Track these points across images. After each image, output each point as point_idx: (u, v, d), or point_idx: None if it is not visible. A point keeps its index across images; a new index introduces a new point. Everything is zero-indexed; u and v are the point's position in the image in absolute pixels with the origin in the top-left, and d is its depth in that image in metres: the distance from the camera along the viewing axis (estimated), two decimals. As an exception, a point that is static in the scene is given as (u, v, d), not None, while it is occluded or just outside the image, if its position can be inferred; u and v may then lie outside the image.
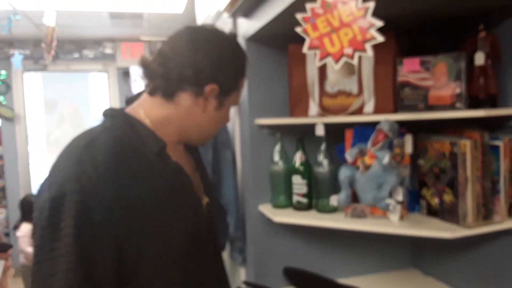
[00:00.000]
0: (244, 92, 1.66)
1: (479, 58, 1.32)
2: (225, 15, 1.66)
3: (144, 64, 0.88)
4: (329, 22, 1.09)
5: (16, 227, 3.18)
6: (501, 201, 1.30)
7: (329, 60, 1.13)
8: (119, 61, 4.43)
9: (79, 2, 2.99)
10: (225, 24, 1.78)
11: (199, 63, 0.84)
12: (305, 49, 1.16)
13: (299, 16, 1.11)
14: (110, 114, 0.86)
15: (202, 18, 2.54)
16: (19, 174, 4.45)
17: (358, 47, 1.04)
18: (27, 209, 3.13)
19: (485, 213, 1.30)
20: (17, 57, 3.15)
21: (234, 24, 1.68)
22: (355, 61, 1.05)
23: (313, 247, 1.73)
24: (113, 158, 0.76)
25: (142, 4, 3.04)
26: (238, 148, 1.81)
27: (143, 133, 0.84)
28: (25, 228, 3.08)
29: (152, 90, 0.87)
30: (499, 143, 1.30)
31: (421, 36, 1.54)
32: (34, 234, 0.73)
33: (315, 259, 1.73)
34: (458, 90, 1.29)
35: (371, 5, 1.02)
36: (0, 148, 4.35)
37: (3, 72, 4.23)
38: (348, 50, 1.06)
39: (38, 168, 4.89)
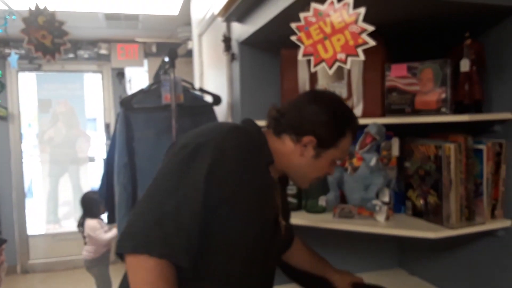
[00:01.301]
0: (237, 94, 1.70)
1: (465, 65, 1.37)
2: (219, 19, 1.70)
3: (272, 110, 1.10)
4: (322, 30, 1.13)
5: (80, 224, 3.16)
6: (484, 203, 1.35)
7: (323, 66, 1.17)
8: (114, 62, 4.44)
9: (75, 3, 3.01)
10: (219, 28, 1.82)
11: (306, 117, 1.03)
12: (300, 56, 1.19)
13: (293, 25, 1.15)
14: (249, 123, 1.08)
15: (197, 20, 2.58)
16: (12, 172, 4.44)
17: (351, 52, 1.08)
18: (88, 205, 3.13)
19: (468, 214, 1.35)
20: (13, 56, 3.16)
21: (228, 28, 1.72)
22: (348, 66, 1.09)
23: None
24: (246, 145, 0.97)
25: (138, 6, 3.07)
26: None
27: (264, 144, 1.04)
28: (91, 223, 3.08)
29: (267, 125, 1.10)
30: (483, 147, 1.34)
31: (410, 43, 1.59)
32: (168, 163, 0.93)
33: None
34: (443, 95, 1.34)
35: (362, 11, 1.06)
36: (-7, 146, 4.34)
37: (-2, 71, 4.23)
38: (341, 55, 1.10)
39: (31, 167, 4.89)
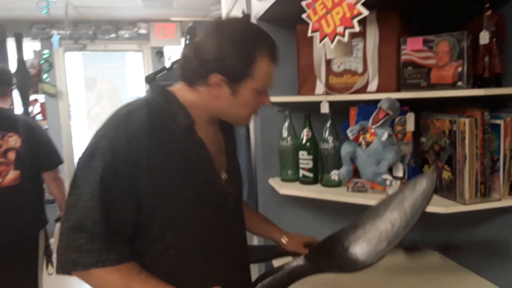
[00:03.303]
0: (256, 71, 1.73)
1: (484, 37, 1.32)
2: (239, -4, 1.73)
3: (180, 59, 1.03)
4: (325, 4, 1.14)
5: None
6: (500, 179, 1.31)
7: (326, 40, 1.18)
8: (153, 41, 4.58)
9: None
10: (241, 5, 1.85)
11: (205, 57, 0.93)
12: (309, 33, 1.21)
13: (303, 3, 1.16)
14: (156, 89, 1.01)
15: (226, -2, 2.60)
16: (63, 147, 4.75)
17: (348, 24, 1.09)
18: None
19: (484, 190, 1.32)
20: (55, 37, 3.36)
21: (248, 4, 1.74)
22: (345, 39, 1.10)
23: (319, 219, 1.81)
24: (144, 127, 0.90)
25: (171, -15, 3.13)
26: (252, 124, 1.89)
27: (176, 110, 0.97)
28: None
29: (180, 78, 1.02)
30: (501, 122, 1.30)
31: (427, 16, 1.54)
32: (75, 169, 0.92)
33: (321, 231, 1.81)
34: (460, 69, 1.30)
35: (357, -19, 1.06)
36: (45, 122, 4.65)
37: (46, 51, 4.49)
38: (340, 28, 1.11)
39: (80, 141, 5.20)
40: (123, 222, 0.90)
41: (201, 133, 1.00)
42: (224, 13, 2.77)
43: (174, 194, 0.93)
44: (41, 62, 4.51)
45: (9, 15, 3.96)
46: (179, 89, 1.01)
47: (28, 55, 4.21)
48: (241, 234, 1.14)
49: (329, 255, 1.03)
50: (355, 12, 1.06)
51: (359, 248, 0.95)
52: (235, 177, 1.13)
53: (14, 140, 1.99)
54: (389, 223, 0.90)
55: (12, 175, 1.97)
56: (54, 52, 4.54)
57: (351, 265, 0.91)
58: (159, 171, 0.90)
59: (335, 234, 1.10)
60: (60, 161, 2.24)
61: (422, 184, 0.89)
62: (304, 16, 1.17)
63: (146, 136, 0.89)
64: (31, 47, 4.49)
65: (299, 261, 1.06)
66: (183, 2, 3.63)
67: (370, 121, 1.39)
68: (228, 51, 0.92)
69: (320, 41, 1.16)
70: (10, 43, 3.58)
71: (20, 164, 1.99)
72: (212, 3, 3.50)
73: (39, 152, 2.09)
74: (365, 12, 1.05)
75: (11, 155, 1.98)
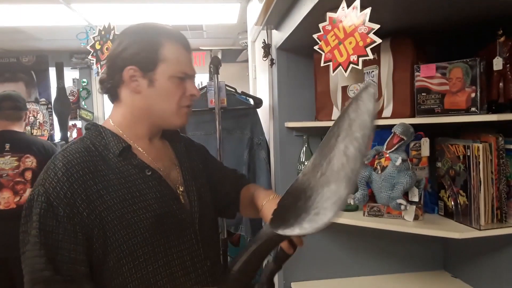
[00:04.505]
0: (275, 97, 1.80)
1: (498, 63, 1.34)
2: (259, 27, 1.82)
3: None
4: (337, 36, 1.19)
5: None
6: (516, 205, 1.30)
7: (340, 69, 1.24)
8: (184, 69, 4.77)
9: (146, 17, 3.32)
10: (263, 35, 1.94)
11: (113, 59, 0.96)
12: (322, 63, 1.27)
13: (315, 36, 1.23)
14: (88, 127, 1.01)
15: (251, 28, 2.72)
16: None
17: (361, 52, 1.14)
18: None
19: (500, 216, 1.31)
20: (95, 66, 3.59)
21: (268, 35, 1.83)
22: (359, 66, 1.15)
23: (337, 242, 1.82)
24: (73, 161, 0.88)
25: (200, 16, 3.29)
26: (272, 149, 1.95)
27: (108, 138, 0.95)
28: None
29: (101, 92, 1.02)
30: (515, 147, 1.30)
31: (442, 43, 1.57)
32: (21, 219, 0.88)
33: (338, 254, 1.82)
34: (473, 95, 1.32)
35: (368, 11, 1.10)
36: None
37: (85, 79, 4.77)
38: (353, 57, 1.16)
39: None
40: (76, 262, 0.84)
41: (144, 154, 0.98)
42: (249, 41, 2.89)
43: (122, 222, 0.88)
44: (80, 89, 4.78)
45: (52, 46, 4.25)
46: (110, 117, 1.00)
47: (68, 83, 4.48)
48: (213, 250, 1.06)
49: (294, 210, 0.82)
50: (368, 41, 1.11)
51: (322, 197, 0.78)
52: (196, 186, 1.05)
53: (30, 161, 2.15)
54: (343, 156, 0.77)
55: (29, 193, 2.11)
56: (92, 80, 4.81)
57: (316, 221, 0.75)
58: (99, 202, 0.87)
59: (295, 183, 0.89)
60: None
61: (363, 98, 0.76)
62: (316, 47, 1.23)
63: (78, 170, 0.87)
64: (71, 75, 4.78)
65: (265, 229, 0.87)
66: (212, 32, 3.79)
67: (385, 146, 1.42)
68: (133, 41, 0.94)
69: (334, 70, 1.22)
70: (52, 72, 3.83)
71: None
72: (240, 33, 3.64)
73: None
74: (378, 41, 1.10)
75: (28, 175, 2.14)
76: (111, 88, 0.98)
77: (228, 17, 3.28)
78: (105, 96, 1.03)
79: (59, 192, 0.84)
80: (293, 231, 0.78)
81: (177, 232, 0.95)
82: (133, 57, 0.93)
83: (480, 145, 1.28)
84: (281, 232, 0.80)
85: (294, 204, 0.84)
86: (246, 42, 3.63)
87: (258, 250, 0.84)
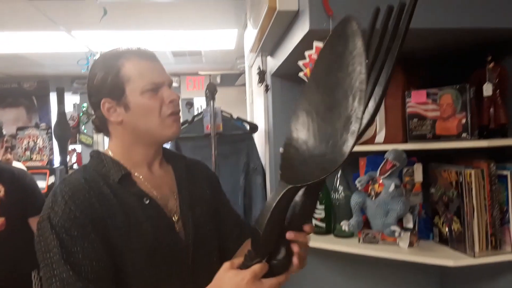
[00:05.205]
0: (270, 122, 1.82)
1: (487, 89, 1.35)
2: (253, 54, 1.85)
3: None
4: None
5: None
6: (510, 231, 1.29)
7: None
8: (183, 93, 4.83)
9: (145, 43, 3.38)
10: (258, 62, 1.97)
11: (88, 95, 0.98)
12: (306, 91, 1.28)
13: (300, 62, 1.24)
14: (92, 155, 1.02)
15: (247, 52, 2.77)
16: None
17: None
18: None
19: (495, 243, 1.30)
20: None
21: (263, 61, 1.86)
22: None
23: (333, 269, 1.80)
24: (79, 186, 0.90)
25: (200, 43, 3.35)
26: (268, 174, 1.95)
27: (109, 165, 0.97)
28: None
29: (96, 131, 1.05)
30: (507, 173, 1.30)
31: (432, 69, 1.59)
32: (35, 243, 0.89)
33: (335, 280, 1.79)
34: (464, 121, 1.33)
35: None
36: (81, 171, 4.88)
37: (85, 104, 4.81)
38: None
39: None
40: (98, 278, 0.85)
41: (144, 181, 0.98)
42: (246, 66, 2.93)
43: (118, 247, 0.89)
44: (80, 114, 4.82)
45: (54, 71, 4.31)
46: (109, 147, 1.02)
47: (68, 108, 4.52)
48: (210, 280, 1.01)
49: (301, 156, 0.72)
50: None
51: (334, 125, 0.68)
52: (195, 215, 1.02)
53: None
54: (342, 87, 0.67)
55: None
56: (92, 104, 4.86)
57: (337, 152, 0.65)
58: (102, 225, 0.88)
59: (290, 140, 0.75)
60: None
61: (348, 34, 0.67)
62: (301, 74, 1.24)
63: (82, 194, 0.89)
64: (71, 100, 4.83)
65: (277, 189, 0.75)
66: (211, 57, 3.85)
67: (378, 172, 1.42)
68: (97, 75, 0.94)
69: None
70: (53, 97, 3.88)
71: (5, 211, 2.06)
72: (237, 57, 3.69)
73: (24, 199, 2.15)
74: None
75: None
76: (100, 126, 1.00)
77: (226, 43, 3.34)
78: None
79: (69, 214, 0.86)
80: (313, 175, 0.68)
81: (169, 263, 0.94)
82: (102, 88, 0.94)
83: (472, 171, 1.29)
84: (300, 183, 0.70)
85: (297, 152, 0.73)
86: (244, 67, 3.68)
87: (278, 206, 0.75)
